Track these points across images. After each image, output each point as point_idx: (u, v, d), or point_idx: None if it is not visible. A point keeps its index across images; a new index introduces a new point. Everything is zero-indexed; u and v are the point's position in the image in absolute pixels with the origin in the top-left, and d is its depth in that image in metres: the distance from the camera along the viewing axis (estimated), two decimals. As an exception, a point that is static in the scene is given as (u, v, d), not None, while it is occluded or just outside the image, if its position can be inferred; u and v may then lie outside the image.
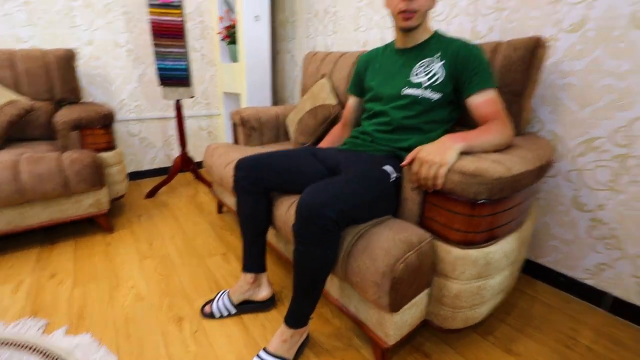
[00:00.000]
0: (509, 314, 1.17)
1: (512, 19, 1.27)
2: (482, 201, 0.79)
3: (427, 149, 0.83)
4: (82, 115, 1.62)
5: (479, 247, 0.84)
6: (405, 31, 1.04)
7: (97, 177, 1.56)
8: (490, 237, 0.86)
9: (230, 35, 2.36)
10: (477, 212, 0.80)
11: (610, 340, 1.07)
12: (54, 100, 1.87)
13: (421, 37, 1.06)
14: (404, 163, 0.89)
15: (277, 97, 2.91)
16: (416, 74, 1.05)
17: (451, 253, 0.85)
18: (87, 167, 1.51)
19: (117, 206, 2.07)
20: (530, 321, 1.15)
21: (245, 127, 1.80)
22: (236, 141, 1.94)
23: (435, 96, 1.03)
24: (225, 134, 2.79)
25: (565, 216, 1.25)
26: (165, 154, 2.66)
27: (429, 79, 1.03)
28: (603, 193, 1.15)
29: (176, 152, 2.70)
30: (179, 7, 1.91)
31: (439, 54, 1.03)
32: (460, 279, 0.86)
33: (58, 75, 1.85)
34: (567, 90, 1.17)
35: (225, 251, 1.57)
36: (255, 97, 2.34)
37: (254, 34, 2.21)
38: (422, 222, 0.91)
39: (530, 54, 1.03)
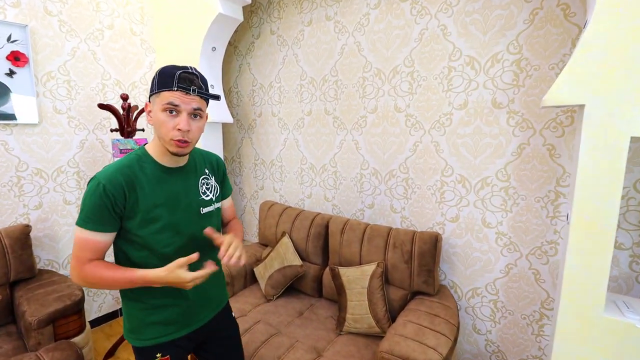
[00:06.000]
0: None
1: (416, 206, 1.92)
2: (429, 377, 1.25)
3: (236, 241, 1.02)
4: (57, 308, 1.64)
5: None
6: (175, 155, 0.99)
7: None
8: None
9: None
10: (427, 383, 1.26)
11: None
12: (8, 282, 1.82)
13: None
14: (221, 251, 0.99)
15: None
16: (203, 192, 1.11)
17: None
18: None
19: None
20: None
21: (218, 283, 2.05)
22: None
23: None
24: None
25: (470, 337, 1.84)
26: (113, 298, 2.61)
27: (214, 194, 1.15)
28: (489, 323, 1.77)
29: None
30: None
31: (207, 172, 1.14)
32: None
33: (14, 256, 1.84)
34: (456, 256, 1.82)
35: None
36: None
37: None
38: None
39: (433, 247, 1.65)
